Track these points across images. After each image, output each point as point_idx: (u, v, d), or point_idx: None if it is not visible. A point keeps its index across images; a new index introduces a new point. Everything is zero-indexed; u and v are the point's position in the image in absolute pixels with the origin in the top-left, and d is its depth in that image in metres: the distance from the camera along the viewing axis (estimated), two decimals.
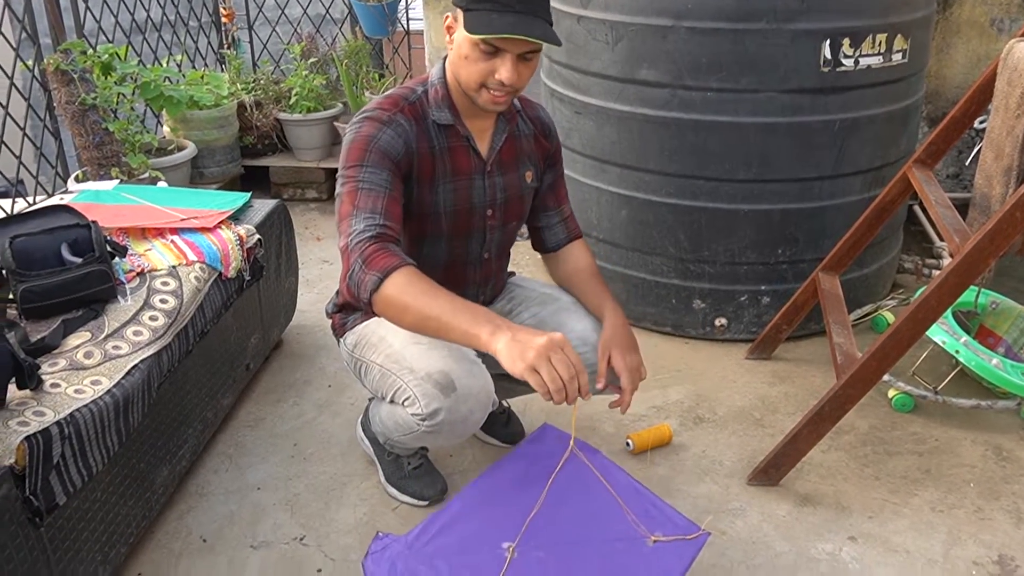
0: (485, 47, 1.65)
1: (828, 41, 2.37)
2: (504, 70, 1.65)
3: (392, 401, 1.83)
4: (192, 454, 2.11)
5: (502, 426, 2.28)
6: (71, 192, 2.61)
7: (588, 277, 1.97)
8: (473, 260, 1.93)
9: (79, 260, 1.93)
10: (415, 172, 1.76)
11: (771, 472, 2.11)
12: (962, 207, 2.18)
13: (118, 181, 2.84)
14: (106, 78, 3.26)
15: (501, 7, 1.60)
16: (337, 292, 2.04)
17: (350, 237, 1.62)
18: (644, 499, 1.60)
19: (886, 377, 2.38)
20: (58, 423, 1.55)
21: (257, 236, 2.38)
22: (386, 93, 1.82)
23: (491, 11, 1.61)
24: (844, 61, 2.41)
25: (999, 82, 2.07)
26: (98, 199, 2.46)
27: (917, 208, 3.50)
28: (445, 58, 1.79)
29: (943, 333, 2.36)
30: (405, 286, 1.55)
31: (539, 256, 2.10)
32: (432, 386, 1.70)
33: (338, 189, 1.71)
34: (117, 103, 3.36)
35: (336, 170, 1.76)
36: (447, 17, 1.73)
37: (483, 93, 1.70)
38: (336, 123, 3.99)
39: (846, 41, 2.38)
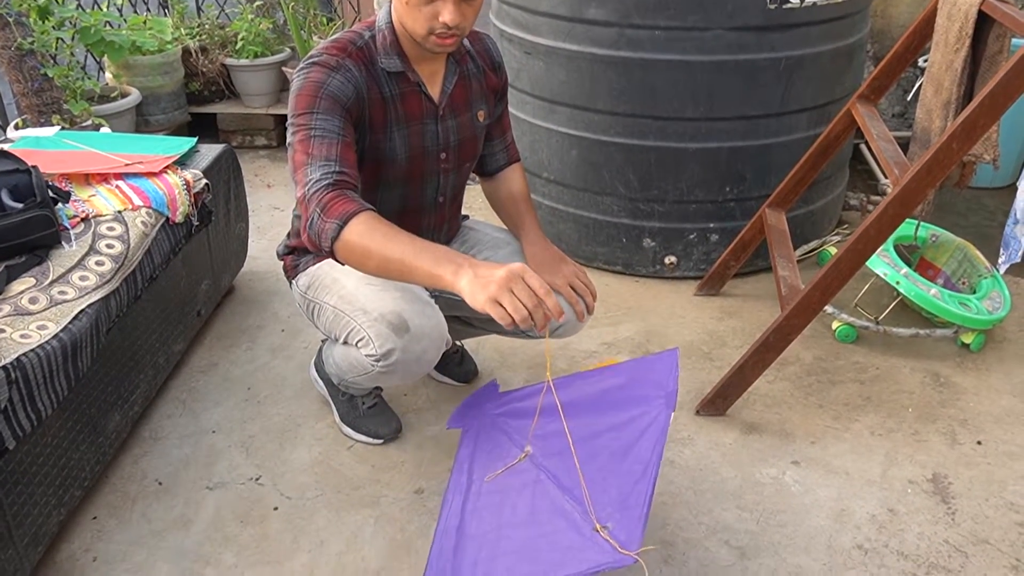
0: None
1: None
2: (447, 12, 1.62)
3: (346, 342, 1.84)
4: (144, 400, 2.11)
5: (456, 365, 2.30)
6: (11, 140, 2.55)
7: (519, 202, 2.03)
8: (428, 205, 1.93)
9: (20, 206, 1.89)
10: (367, 119, 1.74)
11: (718, 403, 2.17)
12: (906, 145, 2.22)
13: (59, 128, 2.77)
14: (44, 22, 3.16)
15: None
16: (288, 235, 2.03)
17: (307, 187, 1.60)
18: (639, 485, 1.45)
19: (830, 309, 2.44)
20: (4, 368, 1.54)
21: (204, 181, 2.35)
22: (332, 38, 1.78)
23: None
24: None
25: (939, 17, 2.10)
26: (39, 145, 2.40)
27: (863, 147, 3.56)
28: (391, 1, 1.75)
29: (885, 265, 2.42)
30: (365, 232, 1.54)
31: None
32: (386, 327, 1.71)
33: (289, 138, 1.68)
34: (56, 48, 3.26)
35: (286, 116, 1.73)
36: None
37: (430, 39, 1.68)
38: (284, 68, 3.92)
39: None
